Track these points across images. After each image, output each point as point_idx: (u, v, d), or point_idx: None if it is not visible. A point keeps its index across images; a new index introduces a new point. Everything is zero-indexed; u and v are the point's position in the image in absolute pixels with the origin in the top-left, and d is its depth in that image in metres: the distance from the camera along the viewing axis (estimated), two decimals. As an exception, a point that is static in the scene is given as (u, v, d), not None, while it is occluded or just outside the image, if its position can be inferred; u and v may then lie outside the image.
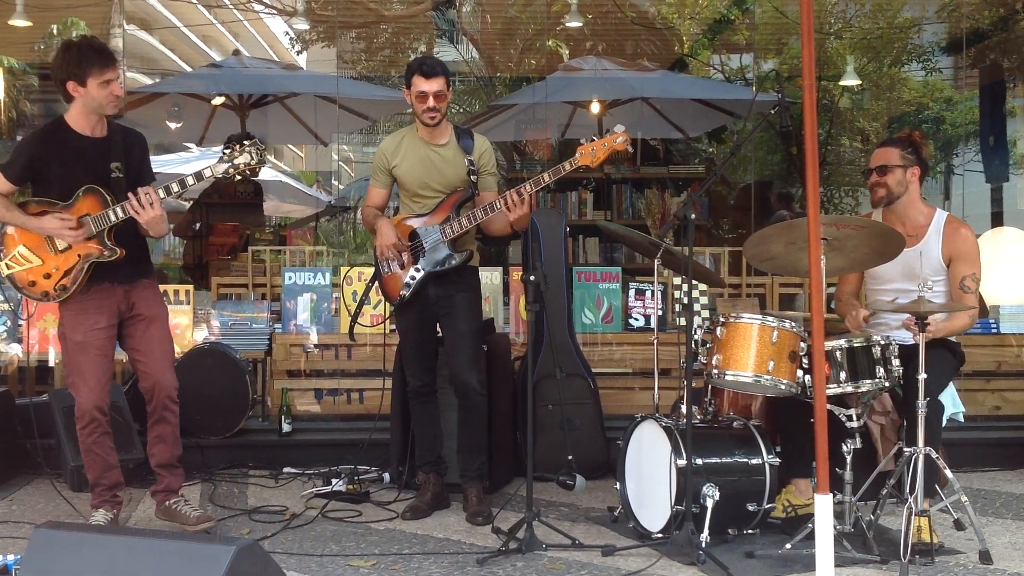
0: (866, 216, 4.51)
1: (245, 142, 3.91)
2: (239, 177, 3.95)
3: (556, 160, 9.22)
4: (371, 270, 4.68)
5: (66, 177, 3.99)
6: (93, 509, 4.14)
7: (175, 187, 3.93)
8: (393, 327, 4.85)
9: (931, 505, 3.83)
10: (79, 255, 3.97)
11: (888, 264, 4.13)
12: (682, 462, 3.89)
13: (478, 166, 4.47)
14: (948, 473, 3.85)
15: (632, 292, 6.04)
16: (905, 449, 3.83)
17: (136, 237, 4.10)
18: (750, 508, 4.02)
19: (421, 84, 4.35)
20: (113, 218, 3.94)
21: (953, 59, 11.02)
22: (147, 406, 4.17)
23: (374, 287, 4.64)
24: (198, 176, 3.94)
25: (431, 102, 4.36)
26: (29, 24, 8.57)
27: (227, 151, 3.91)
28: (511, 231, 4.47)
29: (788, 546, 3.81)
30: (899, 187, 4.25)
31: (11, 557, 3.40)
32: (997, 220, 9.69)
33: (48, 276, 3.99)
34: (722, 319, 4.12)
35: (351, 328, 4.84)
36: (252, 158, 3.89)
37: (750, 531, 4.07)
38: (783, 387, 3.97)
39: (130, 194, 3.91)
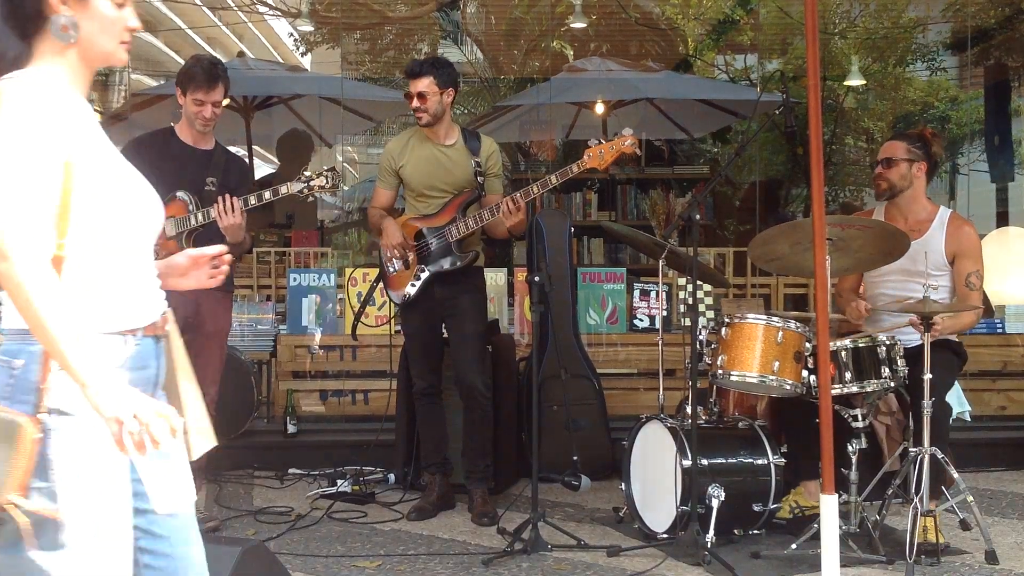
0: (868, 212, 4.50)
1: (325, 167, 4.18)
2: (310, 197, 4.16)
3: (560, 161, 9.25)
4: (375, 271, 4.69)
5: (162, 179, 4.08)
6: None
7: (252, 200, 4.10)
8: (398, 328, 4.85)
9: (937, 505, 3.82)
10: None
11: None
12: (687, 463, 3.89)
13: (484, 168, 4.47)
14: (954, 473, 3.84)
15: (637, 293, 6.03)
16: (911, 449, 3.83)
17: None
18: (756, 508, 4.01)
19: (409, 85, 4.39)
20: (193, 222, 4.11)
21: (958, 58, 10.99)
22: None
23: (378, 288, 4.65)
24: (275, 192, 4.16)
25: (415, 102, 4.37)
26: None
27: (306, 174, 4.15)
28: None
29: (794, 546, 3.80)
30: (902, 181, 4.22)
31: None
32: (1002, 220, 9.65)
33: None
34: (727, 319, 4.11)
35: (354, 328, 4.86)
36: (327, 183, 4.12)
37: (756, 531, 4.07)
38: (788, 387, 3.97)
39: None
